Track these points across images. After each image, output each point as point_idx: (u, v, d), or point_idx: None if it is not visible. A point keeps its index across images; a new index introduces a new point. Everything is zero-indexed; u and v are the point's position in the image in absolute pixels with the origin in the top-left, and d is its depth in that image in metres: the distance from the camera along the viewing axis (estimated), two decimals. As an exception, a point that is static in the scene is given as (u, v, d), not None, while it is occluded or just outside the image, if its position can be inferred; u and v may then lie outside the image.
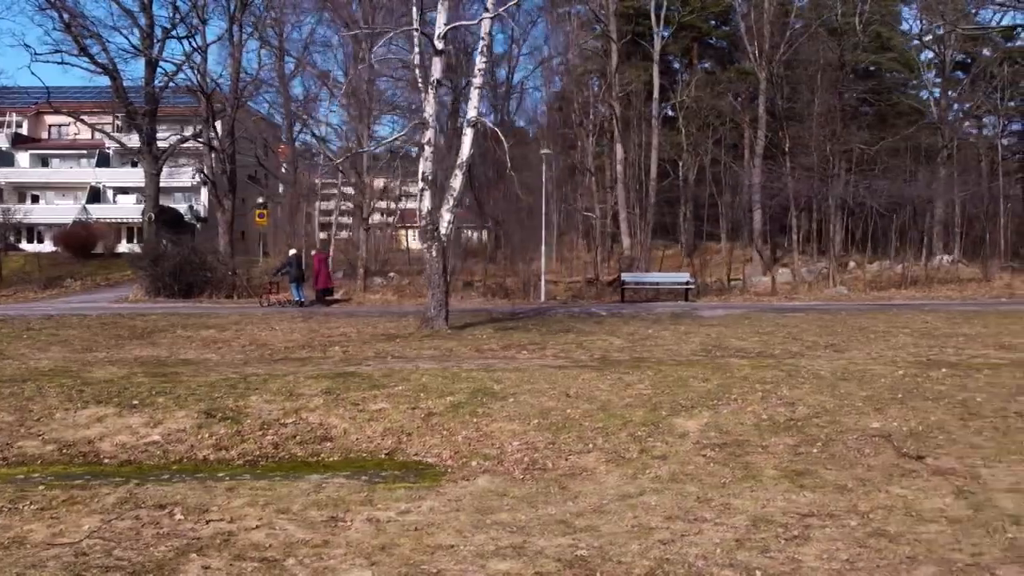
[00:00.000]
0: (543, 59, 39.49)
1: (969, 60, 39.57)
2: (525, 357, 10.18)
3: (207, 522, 4.77)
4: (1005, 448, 5.73)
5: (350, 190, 35.50)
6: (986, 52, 35.51)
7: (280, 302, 19.07)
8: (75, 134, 51.21)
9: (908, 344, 11.31)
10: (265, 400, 7.65)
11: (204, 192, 55.80)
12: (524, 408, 7.16)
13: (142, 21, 28.00)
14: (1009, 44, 32.51)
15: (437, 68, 12.92)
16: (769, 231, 33.54)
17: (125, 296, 22.78)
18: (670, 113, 38.05)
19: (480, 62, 13.47)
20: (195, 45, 27.53)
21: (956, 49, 37.45)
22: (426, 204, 13.21)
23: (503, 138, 14.28)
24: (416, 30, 12.63)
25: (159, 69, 28.28)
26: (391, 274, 30.31)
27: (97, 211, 50.03)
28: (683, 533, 4.44)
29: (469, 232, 57.34)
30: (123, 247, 42.54)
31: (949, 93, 37.31)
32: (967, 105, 37.27)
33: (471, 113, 13.40)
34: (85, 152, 53.97)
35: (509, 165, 13.78)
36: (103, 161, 52.81)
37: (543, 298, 21.56)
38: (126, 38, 29.91)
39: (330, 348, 11.27)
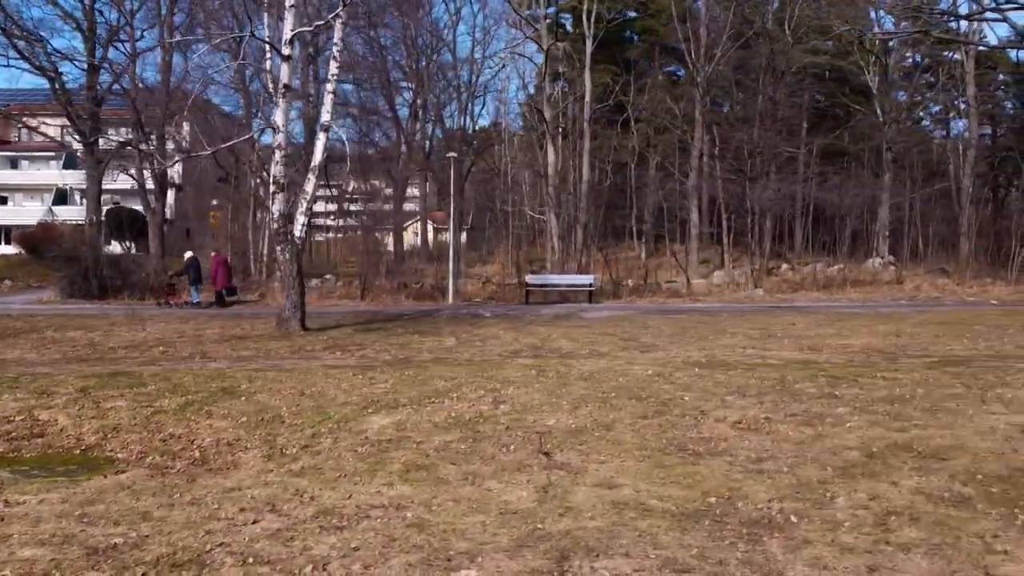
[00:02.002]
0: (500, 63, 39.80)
1: (932, 63, 39.93)
2: (329, 357, 10.42)
3: None
4: (645, 446, 5.94)
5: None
6: (956, 56, 35.79)
7: (178, 303, 19.32)
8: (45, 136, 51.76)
9: (731, 344, 11.55)
10: (15, 399, 7.87)
11: (170, 193, 56.17)
12: (248, 407, 7.38)
13: (85, 25, 28.27)
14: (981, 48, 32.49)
15: (284, 74, 13.14)
16: (720, 233, 33.75)
17: (41, 298, 23.02)
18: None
19: (333, 67, 13.70)
20: (127, 51, 27.82)
21: (918, 53, 37.83)
22: (278, 207, 13.44)
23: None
24: (252, 35, 12.85)
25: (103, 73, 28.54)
26: (327, 276, 30.60)
27: (64, 212, 50.51)
28: (243, 523, 4.66)
29: (444, 235, 57.67)
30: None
31: (891, 95, 37.52)
32: (936, 107, 37.57)
33: (324, 118, 13.63)
34: (53, 154, 54.42)
35: (348, 167, 13.95)
36: (70, 163, 53.26)
37: (451, 299, 21.79)
38: (68, 41, 30.23)
39: (156, 348, 11.50)
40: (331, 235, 53.12)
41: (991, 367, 8.84)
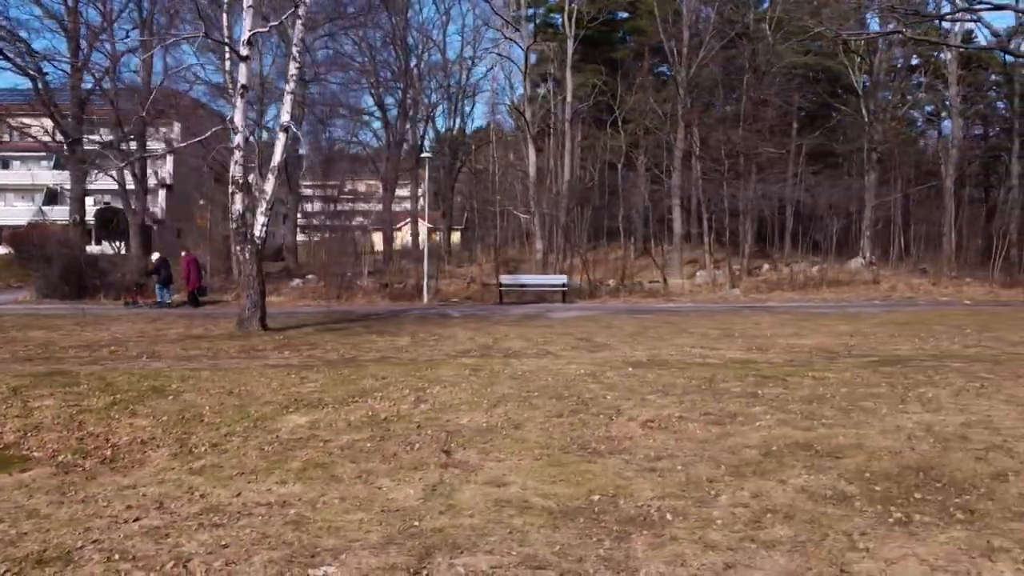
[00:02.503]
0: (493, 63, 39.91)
1: (923, 63, 39.93)
2: (276, 357, 10.44)
3: None
4: (548, 444, 5.96)
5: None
6: (947, 56, 35.77)
7: (147, 303, 19.35)
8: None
9: (682, 344, 11.58)
10: (-55, 398, 7.91)
11: (162, 194, 56.24)
12: (173, 406, 7.40)
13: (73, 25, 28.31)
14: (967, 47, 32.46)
15: (243, 74, 13.16)
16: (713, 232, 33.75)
17: (18, 298, 23.05)
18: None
19: (293, 68, 13.73)
20: (108, 52, 27.85)
21: (910, 52, 37.84)
22: (238, 207, 13.47)
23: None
24: (206, 36, 12.88)
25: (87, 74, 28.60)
26: (309, 276, 30.62)
27: (55, 212, 50.65)
28: (124, 520, 4.68)
29: (436, 235, 57.72)
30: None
31: (877, 95, 37.52)
32: (929, 107, 37.54)
33: (284, 118, 13.66)
34: (44, 154, 54.51)
35: (304, 166, 13.96)
36: (60, 163, 53.38)
37: (426, 300, 21.82)
38: (50, 42, 30.37)
39: (108, 348, 11.53)
40: (326, 235, 53.01)
41: (926, 367, 8.87)
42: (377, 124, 45.90)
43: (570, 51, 29.35)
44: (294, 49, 13.60)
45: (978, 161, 43.35)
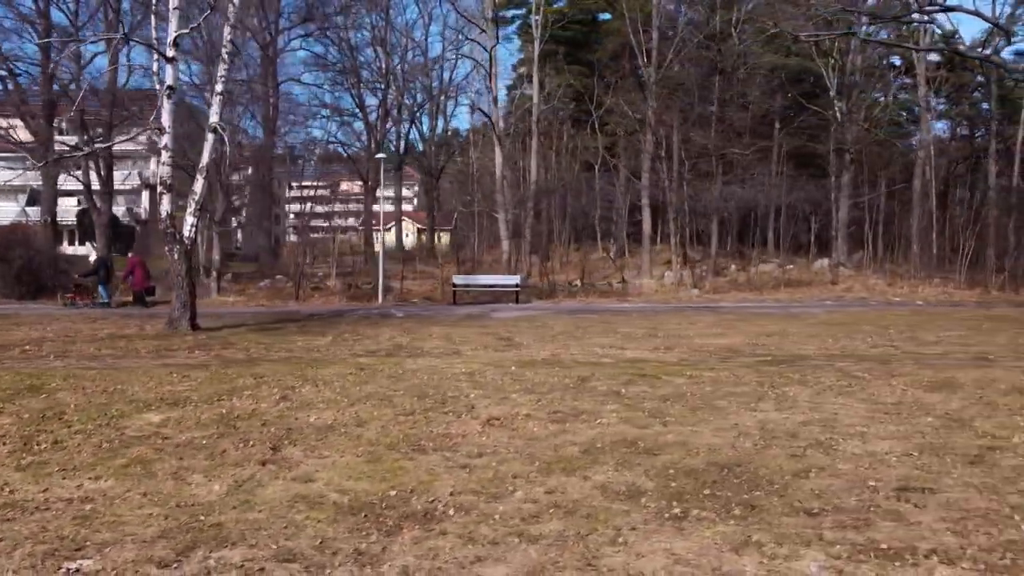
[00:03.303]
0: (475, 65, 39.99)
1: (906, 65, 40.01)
2: (183, 356, 10.51)
3: None
4: (380, 441, 6.01)
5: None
6: (934, 58, 35.82)
7: (87, 303, 19.41)
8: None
9: (596, 344, 11.65)
10: None
11: (146, 194, 56.32)
12: (41, 404, 7.41)
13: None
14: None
15: (169, 75, 13.24)
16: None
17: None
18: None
19: (221, 70, 13.80)
20: (73, 53, 27.89)
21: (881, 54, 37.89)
22: (165, 208, 13.54)
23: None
24: (126, 38, 12.95)
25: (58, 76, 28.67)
26: (279, 277, 30.63)
27: (38, 213, 50.69)
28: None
29: (423, 235, 57.76)
30: (64, 249, 43.26)
31: (853, 96, 37.59)
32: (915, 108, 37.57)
33: (212, 119, 13.74)
34: (28, 155, 54.52)
35: (228, 163, 14.03)
36: (35, 164, 53.41)
37: (380, 300, 21.89)
38: (17, 45, 30.44)
39: (26, 347, 11.59)
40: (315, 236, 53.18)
41: (812, 366, 8.93)
42: (360, 125, 45.91)
43: (536, 52, 29.44)
44: (224, 51, 13.67)
45: (963, 163, 43.46)
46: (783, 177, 39.34)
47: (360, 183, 48.70)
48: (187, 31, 12.92)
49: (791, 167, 40.06)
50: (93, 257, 20.48)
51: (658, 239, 31.49)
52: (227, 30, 13.47)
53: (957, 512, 4.49)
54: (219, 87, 13.73)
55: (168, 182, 13.39)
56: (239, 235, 53.50)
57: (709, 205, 28.79)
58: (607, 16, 47.59)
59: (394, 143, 49.49)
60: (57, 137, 30.21)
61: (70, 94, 27.02)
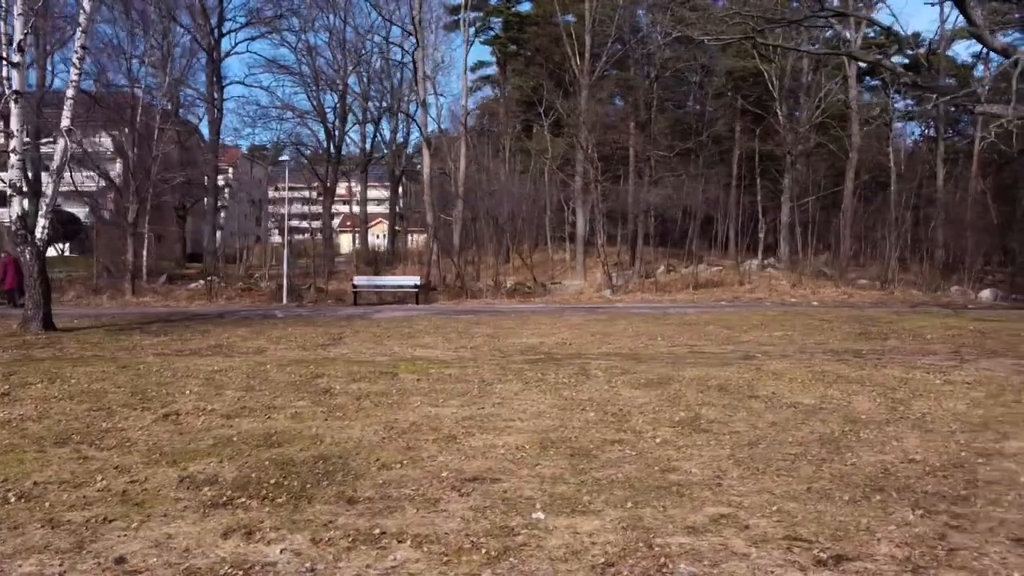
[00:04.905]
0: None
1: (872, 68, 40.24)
2: (6, 356, 10.77)
3: None
4: (41, 435, 6.27)
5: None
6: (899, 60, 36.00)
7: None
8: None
9: (416, 345, 11.89)
10: None
11: (110, 196, 56.56)
12: None
13: None
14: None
15: (16, 80, 13.48)
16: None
17: None
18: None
19: (73, 74, 14.05)
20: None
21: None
22: (15, 210, 13.80)
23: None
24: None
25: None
26: (211, 278, 30.89)
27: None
28: None
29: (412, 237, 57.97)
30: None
31: (797, 99, 37.84)
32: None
33: (64, 122, 13.98)
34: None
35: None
36: (3, 165, 53.73)
37: (285, 300, 22.14)
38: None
39: None
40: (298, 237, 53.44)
41: (568, 363, 9.16)
42: (319, 128, 46.00)
43: (465, 55, 29.79)
44: (74, 56, 13.93)
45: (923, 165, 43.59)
46: (743, 179, 39.76)
47: (317, 184, 48.92)
48: (29, 31, 13.15)
49: (748, 170, 40.50)
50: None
51: (577, 241, 31.73)
52: (79, 36, 13.72)
53: (494, 502, 4.74)
54: (70, 91, 13.98)
55: (18, 185, 13.63)
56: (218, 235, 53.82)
57: (636, 206, 29.03)
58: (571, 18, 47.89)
59: (359, 146, 49.78)
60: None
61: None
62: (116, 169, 59.71)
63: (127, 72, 26.63)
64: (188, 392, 7.62)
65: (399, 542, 4.19)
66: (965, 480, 5.13)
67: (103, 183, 33.34)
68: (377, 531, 4.32)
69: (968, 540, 4.19)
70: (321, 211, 49.46)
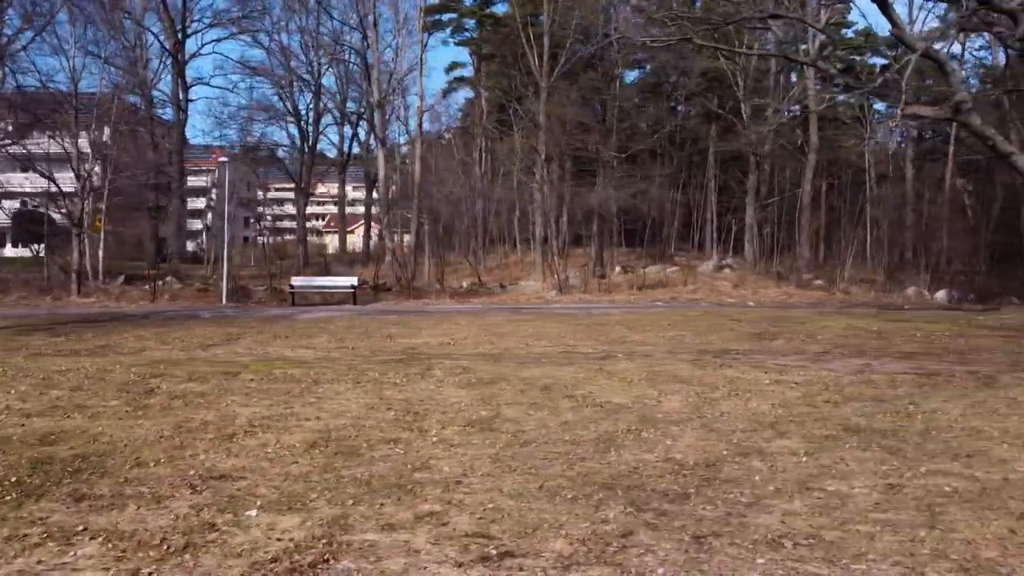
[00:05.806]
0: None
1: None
2: None
3: None
4: None
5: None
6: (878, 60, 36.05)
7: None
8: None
9: (308, 345, 11.95)
10: None
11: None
12: None
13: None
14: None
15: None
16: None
17: None
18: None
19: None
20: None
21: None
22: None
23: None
24: None
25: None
26: (169, 278, 30.91)
27: (-26, 214, 51.09)
28: None
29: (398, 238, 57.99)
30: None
31: (760, 100, 37.90)
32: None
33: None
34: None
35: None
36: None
37: (224, 300, 22.19)
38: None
39: None
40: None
41: (432, 364, 9.22)
42: (294, 128, 45.97)
43: (421, 56, 29.81)
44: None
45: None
46: (716, 181, 39.85)
47: (292, 184, 49.00)
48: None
49: (723, 170, 40.59)
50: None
51: (536, 242, 31.84)
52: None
53: (218, 500, 4.78)
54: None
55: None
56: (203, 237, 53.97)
57: (601, 206, 29.12)
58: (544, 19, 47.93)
59: (336, 146, 49.84)
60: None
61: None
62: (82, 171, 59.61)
63: (72, 70, 26.63)
64: (13, 391, 7.66)
65: (91, 539, 4.24)
66: (703, 479, 5.17)
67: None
68: (80, 528, 4.37)
69: (649, 538, 4.23)
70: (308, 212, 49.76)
